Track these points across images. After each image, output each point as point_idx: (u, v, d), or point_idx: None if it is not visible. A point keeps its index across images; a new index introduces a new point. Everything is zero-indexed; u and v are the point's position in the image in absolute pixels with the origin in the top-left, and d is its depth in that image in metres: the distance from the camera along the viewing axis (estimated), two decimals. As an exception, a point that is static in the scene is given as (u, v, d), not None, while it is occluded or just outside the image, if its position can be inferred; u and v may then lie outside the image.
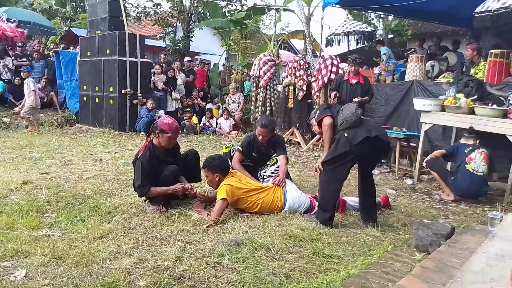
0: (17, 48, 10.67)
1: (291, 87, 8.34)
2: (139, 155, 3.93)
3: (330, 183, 3.62)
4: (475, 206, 4.54)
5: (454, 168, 4.81)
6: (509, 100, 5.05)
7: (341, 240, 3.33)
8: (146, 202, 4.01)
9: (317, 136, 8.00)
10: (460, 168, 4.63)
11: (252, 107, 9.29)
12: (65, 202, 4.02)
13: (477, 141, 4.78)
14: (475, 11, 5.34)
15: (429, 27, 13.42)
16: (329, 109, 3.77)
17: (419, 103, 5.60)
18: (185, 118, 10.08)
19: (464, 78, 5.77)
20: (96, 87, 9.68)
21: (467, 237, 2.93)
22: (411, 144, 6.37)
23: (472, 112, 5.07)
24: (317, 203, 4.01)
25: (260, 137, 4.50)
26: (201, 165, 4.17)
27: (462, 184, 4.58)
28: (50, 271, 2.63)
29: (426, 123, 5.58)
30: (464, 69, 7.23)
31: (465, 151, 4.67)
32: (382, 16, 12.98)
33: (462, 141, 4.95)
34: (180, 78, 10.84)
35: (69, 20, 18.38)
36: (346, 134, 3.47)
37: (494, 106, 5.01)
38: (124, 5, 9.97)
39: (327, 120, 3.64)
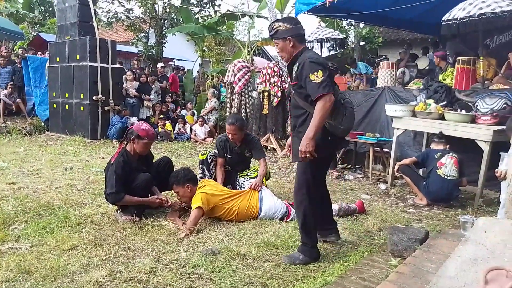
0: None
1: (265, 94, 8.36)
2: (112, 162, 3.82)
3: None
4: (447, 210, 4.64)
5: (426, 173, 4.91)
6: (477, 105, 5.20)
7: (317, 247, 3.32)
8: (118, 212, 3.90)
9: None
10: (432, 173, 4.72)
11: (227, 114, 9.25)
12: (33, 213, 3.87)
13: (447, 146, 4.90)
14: (442, 19, 5.49)
15: (399, 34, 13.78)
16: None
17: (391, 109, 5.70)
18: (159, 124, 9.94)
19: (434, 84, 5.91)
20: (66, 94, 9.43)
21: (441, 241, 2.98)
22: (384, 149, 6.47)
23: (442, 117, 5.20)
24: (293, 209, 4.01)
25: (230, 136, 4.49)
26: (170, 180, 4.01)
27: (434, 188, 4.68)
28: (16, 286, 2.52)
29: (398, 128, 5.68)
30: (435, 75, 7.43)
31: (435, 156, 4.77)
32: (353, 23, 13.21)
33: (432, 146, 5.05)
34: (155, 87, 10.69)
35: (38, 25, 17.89)
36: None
37: (463, 112, 5.15)
38: (94, 10, 9.77)
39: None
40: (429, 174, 4.78)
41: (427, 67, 8.89)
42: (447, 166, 4.64)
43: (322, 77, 2.73)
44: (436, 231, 3.61)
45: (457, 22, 5.26)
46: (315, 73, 2.74)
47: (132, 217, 3.77)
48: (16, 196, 4.39)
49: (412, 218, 4.32)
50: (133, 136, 3.85)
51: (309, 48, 8.84)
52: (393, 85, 7.18)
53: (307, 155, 2.74)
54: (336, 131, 2.91)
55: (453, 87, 6.00)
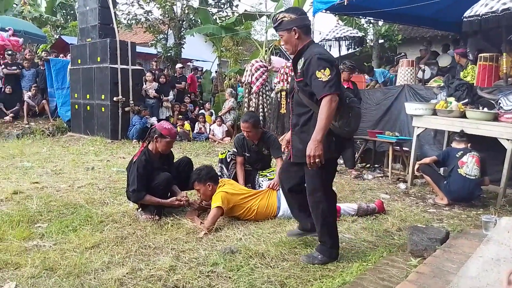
0: (6, 56, 10.59)
1: (283, 93, 8.36)
2: (134, 160, 3.90)
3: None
4: (469, 210, 4.55)
5: (447, 173, 4.82)
6: (500, 103, 5.09)
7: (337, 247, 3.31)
8: (138, 210, 3.97)
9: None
10: (453, 172, 4.64)
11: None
12: (56, 212, 3.96)
13: (469, 145, 4.81)
14: (464, 15, 5.39)
15: (419, 31, 13.56)
16: None
17: (410, 107, 5.62)
18: (177, 124, 10.05)
19: (455, 82, 5.81)
20: (88, 95, 9.62)
21: (462, 241, 2.93)
22: (404, 148, 6.39)
23: (463, 115, 5.10)
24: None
25: (245, 134, 4.52)
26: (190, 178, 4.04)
27: (455, 188, 4.60)
28: (41, 283, 2.58)
29: (418, 127, 5.60)
30: (456, 73, 7.29)
31: (457, 155, 4.69)
32: (372, 21, 13.07)
33: (454, 145, 4.97)
34: (172, 93, 10.83)
35: (60, 28, 18.29)
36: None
37: (485, 110, 5.04)
38: (115, 13, 9.94)
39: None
40: (450, 173, 4.70)
41: (449, 65, 8.74)
42: (469, 165, 4.55)
43: (329, 76, 2.62)
44: (457, 231, 3.55)
45: (479, 18, 5.15)
46: (322, 70, 2.62)
47: (152, 216, 3.83)
48: (40, 195, 4.50)
49: (433, 218, 4.26)
50: (156, 135, 3.92)
51: (328, 46, 8.69)
52: (413, 83, 7.09)
53: (316, 160, 2.60)
54: (341, 133, 2.80)
55: (475, 85, 5.88)
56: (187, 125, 10.29)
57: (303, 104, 2.85)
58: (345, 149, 2.96)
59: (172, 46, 14.55)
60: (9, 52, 10.59)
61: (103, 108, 9.25)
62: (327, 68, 2.63)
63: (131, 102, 9.28)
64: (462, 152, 4.68)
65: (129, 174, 3.93)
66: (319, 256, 2.97)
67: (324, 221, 2.95)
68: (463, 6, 5.65)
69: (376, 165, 6.79)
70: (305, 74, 2.73)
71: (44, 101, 10.58)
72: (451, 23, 8.82)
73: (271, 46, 13.74)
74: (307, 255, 3.04)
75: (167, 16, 14.52)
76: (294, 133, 2.98)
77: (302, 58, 2.77)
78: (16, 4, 18.54)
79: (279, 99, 8.50)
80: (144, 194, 3.78)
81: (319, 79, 2.62)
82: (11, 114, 10.02)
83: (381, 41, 13.69)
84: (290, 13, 2.83)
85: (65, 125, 10.37)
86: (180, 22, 14.51)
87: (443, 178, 4.83)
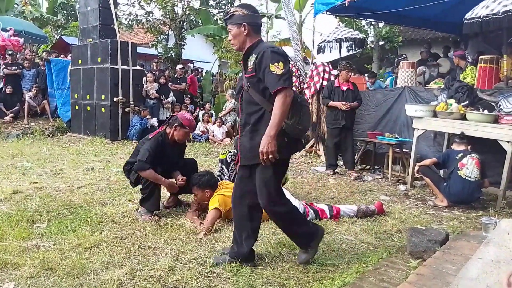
0: (7, 56, 10.59)
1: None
2: (149, 137, 3.99)
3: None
4: (469, 212, 4.55)
5: (447, 174, 4.82)
6: (500, 105, 5.09)
7: (336, 248, 3.31)
8: (138, 211, 3.97)
9: (310, 143, 8.02)
10: (453, 174, 4.64)
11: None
12: (56, 212, 3.96)
13: (469, 147, 4.81)
14: (465, 17, 5.39)
15: (420, 33, 13.58)
16: None
17: (411, 109, 5.62)
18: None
19: (455, 84, 5.81)
20: (88, 95, 9.62)
21: (461, 243, 2.93)
22: (404, 150, 6.39)
23: (463, 117, 5.10)
24: (311, 210, 4.00)
25: None
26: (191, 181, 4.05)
27: (455, 190, 4.59)
28: (40, 283, 2.58)
29: (418, 128, 5.60)
30: (456, 75, 7.30)
31: (456, 157, 4.68)
32: (373, 23, 13.09)
33: (454, 147, 4.96)
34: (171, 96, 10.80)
35: (61, 29, 18.30)
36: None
37: (485, 112, 5.04)
38: (115, 13, 9.94)
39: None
40: (450, 175, 4.70)
41: (450, 68, 8.74)
42: (469, 167, 4.55)
43: (283, 69, 2.51)
44: (456, 233, 3.55)
45: (480, 20, 5.16)
46: (276, 64, 2.51)
47: (152, 216, 3.83)
48: (40, 195, 4.50)
49: (432, 219, 4.25)
50: (176, 124, 3.97)
51: (329, 47, 8.65)
52: (413, 85, 7.09)
53: (269, 156, 2.50)
54: (293, 132, 2.65)
55: (475, 87, 5.88)
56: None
57: (254, 102, 2.70)
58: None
59: (172, 47, 14.56)
60: (10, 52, 10.59)
61: (103, 109, 9.25)
62: (280, 62, 2.53)
63: (131, 102, 9.28)
64: (462, 154, 4.68)
65: (141, 148, 3.95)
66: (305, 255, 2.90)
67: (292, 232, 2.88)
68: (464, 8, 5.66)
69: (376, 167, 6.79)
70: (257, 69, 2.61)
71: (44, 101, 10.58)
72: (451, 25, 8.84)
73: (271, 48, 13.75)
74: (299, 255, 2.95)
75: (168, 17, 14.53)
76: (243, 135, 2.79)
77: (253, 54, 2.66)
78: (17, 4, 18.56)
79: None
80: (148, 167, 3.81)
81: (273, 72, 2.51)
82: (11, 114, 10.01)
83: (381, 42, 13.71)
84: (242, 8, 2.75)
85: (65, 125, 10.36)
86: (181, 22, 14.52)
87: (443, 180, 4.83)
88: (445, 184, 4.72)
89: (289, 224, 2.86)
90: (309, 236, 2.89)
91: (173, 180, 4.08)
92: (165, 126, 4.11)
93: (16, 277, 2.62)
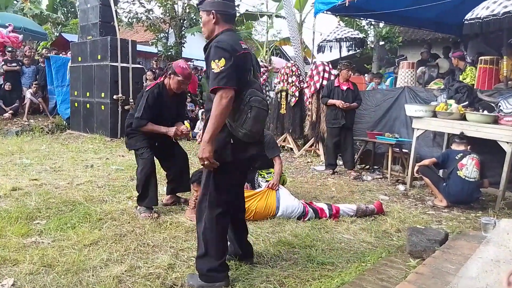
0: (6, 53, 10.57)
1: (283, 93, 8.36)
2: (147, 89, 3.93)
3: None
4: (468, 212, 4.56)
5: (446, 175, 4.82)
6: (500, 106, 5.10)
7: (335, 247, 3.31)
8: (137, 208, 3.96)
9: (310, 142, 8.02)
10: (452, 175, 4.64)
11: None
12: (55, 209, 3.95)
13: (468, 147, 4.81)
14: (465, 18, 5.40)
15: (420, 34, 13.57)
16: None
17: (411, 109, 5.63)
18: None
19: (455, 84, 5.82)
20: (88, 93, 9.60)
21: (461, 242, 2.93)
22: (403, 150, 6.39)
23: (463, 118, 5.11)
24: (310, 209, 4.00)
25: None
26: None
27: (454, 190, 4.60)
28: (39, 279, 2.57)
29: (418, 129, 5.60)
30: (455, 75, 7.31)
31: (456, 158, 4.69)
32: (373, 23, 13.09)
33: (454, 147, 4.97)
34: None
35: (60, 26, 18.26)
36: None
37: (485, 112, 5.05)
38: (115, 11, 9.91)
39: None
40: (449, 176, 4.70)
41: (449, 69, 8.75)
42: (468, 168, 4.55)
43: (223, 67, 2.32)
44: (456, 233, 3.55)
45: (480, 21, 5.16)
46: (217, 60, 2.33)
47: (151, 214, 3.83)
48: (39, 192, 4.49)
49: (432, 219, 4.26)
50: (170, 71, 3.93)
51: (329, 47, 8.61)
52: (413, 85, 7.10)
53: (205, 162, 2.39)
54: (238, 135, 2.43)
55: (475, 87, 5.89)
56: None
57: (210, 98, 2.52)
58: (248, 154, 2.52)
59: (172, 45, 14.54)
60: (10, 49, 10.57)
61: (103, 106, 9.23)
62: (222, 59, 2.34)
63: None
64: (461, 154, 4.68)
65: (138, 102, 3.95)
66: (192, 279, 2.60)
67: (203, 238, 2.57)
68: (464, 9, 5.67)
69: (375, 167, 6.79)
70: (206, 64, 2.48)
71: (40, 98, 10.54)
72: (452, 25, 8.85)
73: (271, 47, 13.76)
74: (190, 274, 2.68)
75: (168, 15, 14.52)
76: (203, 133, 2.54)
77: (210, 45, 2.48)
78: (17, 1, 18.54)
79: (279, 100, 8.50)
80: (145, 123, 3.84)
81: (212, 70, 2.35)
82: (11, 111, 10.00)
83: (381, 43, 13.70)
84: None
85: (64, 122, 10.34)
86: (181, 21, 14.52)
87: (442, 180, 4.83)
88: (444, 184, 4.72)
89: (209, 231, 2.56)
90: (211, 261, 2.55)
91: (172, 128, 3.98)
92: (162, 77, 4.04)
93: (15, 274, 2.62)
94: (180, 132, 3.98)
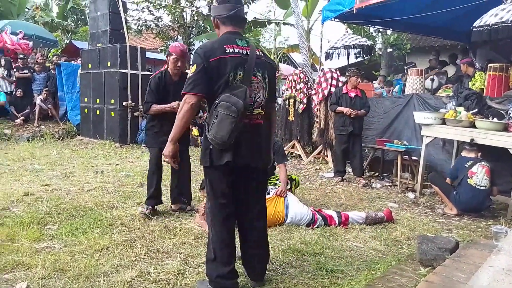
0: (18, 60, 10.74)
1: (291, 100, 8.38)
2: (151, 76, 4.19)
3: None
4: (479, 220, 4.52)
5: (456, 183, 4.79)
6: (510, 113, 5.07)
7: (345, 255, 3.31)
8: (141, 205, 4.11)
9: (318, 149, 8.02)
10: (462, 182, 4.61)
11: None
12: (66, 214, 4.00)
13: (479, 154, 4.78)
14: (473, 25, 5.39)
15: (428, 41, 13.55)
16: None
17: (420, 116, 5.62)
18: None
19: (464, 91, 5.80)
20: (97, 100, 9.71)
21: (472, 251, 2.91)
22: (412, 157, 6.37)
23: (472, 125, 5.08)
24: (319, 216, 4.00)
25: None
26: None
27: (465, 198, 4.57)
28: (51, 284, 2.61)
29: (427, 136, 5.58)
30: (463, 82, 7.29)
31: (466, 165, 4.66)
32: (381, 30, 13.10)
33: (464, 154, 4.94)
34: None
35: (70, 33, 18.51)
36: None
37: (495, 120, 5.02)
38: (125, 18, 10.04)
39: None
40: (459, 183, 4.67)
41: (454, 75, 8.73)
42: (479, 176, 4.53)
43: (192, 73, 2.42)
44: (467, 241, 3.52)
45: (489, 28, 5.16)
46: (192, 66, 2.45)
47: (148, 210, 4.04)
48: (50, 197, 4.55)
49: (442, 228, 4.23)
50: (166, 54, 4.14)
51: (337, 54, 8.61)
52: (422, 92, 7.08)
53: (165, 160, 2.58)
54: (211, 141, 2.42)
55: (484, 94, 5.87)
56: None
57: None
58: (223, 161, 2.45)
59: (181, 52, 14.62)
60: (21, 56, 10.74)
61: (112, 113, 9.32)
62: (194, 65, 2.43)
63: (140, 107, 9.34)
64: (472, 162, 4.66)
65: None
66: (203, 285, 2.62)
67: (210, 242, 2.62)
68: (473, 16, 5.67)
69: (384, 174, 6.77)
70: None
71: (49, 105, 10.67)
72: (460, 33, 8.83)
73: (279, 54, 13.82)
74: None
75: (176, 22, 14.63)
76: None
77: None
78: (28, 9, 18.84)
79: (287, 106, 8.52)
80: (150, 105, 4.05)
81: (188, 75, 2.47)
82: (22, 117, 10.13)
83: (389, 49, 13.69)
84: (216, 0, 2.58)
85: (74, 129, 10.46)
86: (190, 28, 14.62)
87: (453, 188, 4.80)
88: (454, 192, 4.69)
89: (214, 236, 2.60)
90: (219, 267, 2.55)
91: (174, 103, 4.03)
92: (166, 64, 4.23)
93: (28, 278, 2.66)
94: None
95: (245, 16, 2.73)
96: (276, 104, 9.32)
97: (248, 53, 2.51)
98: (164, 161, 2.59)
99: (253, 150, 2.56)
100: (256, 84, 2.53)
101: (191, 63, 2.47)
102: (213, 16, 2.60)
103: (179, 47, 4.09)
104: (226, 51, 2.44)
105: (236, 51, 2.47)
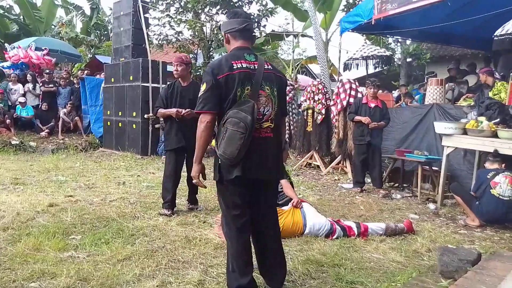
0: (44, 75, 11.12)
1: (309, 111, 8.40)
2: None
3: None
4: (502, 232, 4.43)
5: (479, 193, 4.71)
6: (533, 123, 4.98)
7: (364, 266, 3.29)
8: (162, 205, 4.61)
9: (337, 160, 7.99)
10: (485, 193, 4.53)
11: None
12: (89, 225, 4.10)
13: (503, 165, 4.70)
14: (494, 34, 5.35)
15: (448, 50, 13.40)
16: None
17: (440, 126, 5.56)
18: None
19: (486, 101, 5.71)
20: (120, 112, 9.94)
21: (494, 263, 2.86)
22: (433, 168, 6.28)
23: (495, 135, 5.00)
24: (338, 227, 3.99)
25: None
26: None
27: (488, 209, 4.48)
28: (75, 293, 2.67)
29: (448, 146, 5.51)
30: (482, 92, 7.18)
31: (488, 176, 4.59)
32: (400, 40, 13.03)
33: (487, 165, 4.87)
34: None
35: (94, 48, 19.05)
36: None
37: (518, 129, 4.93)
38: (147, 33, 10.30)
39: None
40: (482, 194, 4.59)
41: (475, 84, 8.60)
42: (502, 186, 4.44)
43: (203, 91, 2.46)
44: (489, 253, 3.46)
45: (511, 36, 5.11)
46: (202, 84, 2.49)
47: (168, 211, 4.50)
48: (74, 208, 4.67)
49: (464, 239, 4.16)
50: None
51: (355, 65, 8.62)
52: (442, 102, 7.00)
53: (193, 181, 2.63)
54: (220, 156, 2.47)
55: (506, 104, 5.76)
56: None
57: None
58: (232, 176, 2.47)
59: (201, 65, 14.88)
60: (47, 71, 11.12)
61: (134, 125, 9.53)
62: (204, 83, 2.47)
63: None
64: (494, 172, 4.58)
65: None
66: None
67: (228, 254, 2.67)
68: (494, 25, 5.62)
69: (404, 185, 6.69)
70: None
71: (77, 118, 10.99)
72: (481, 41, 8.73)
73: (297, 65, 13.88)
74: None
75: (197, 36, 14.90)
76: None
77: None
78: (54, 26, 19.49)
79: (305, 117, 8.54)
80: (157, 109, 4.62)
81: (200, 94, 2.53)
82: (47, 130, 10.45)
83: (409, 59, 13.59)
84: (226, 16, 2.65)
85: (97, 141, 10.71)
86: (209, 42, 14.86)
87: (475, 198, 4.72)
88: (477, 203, 4.61)
89: (230, 247, 2.65)
90: (239, 278, 2.58)
91: (176, 109, 4.50)
92: None
93: (54, 287, 2.74)
94: (180, 112, 4.45)
95: (254, 32, 2.75)
96: (294, 115, 9.34)
97: (256, 67, 2.53)
98: (193, 182, 2.68)
99: (263, 163, 2.55)
100: (264, 97, 2.54)
101: (202, 81, 2.53)
102: (224, 31, 2.65)
103: (180, 55, 4.80)
104: (234, 67, 2.47)
105: (244, 66, 2.50)
